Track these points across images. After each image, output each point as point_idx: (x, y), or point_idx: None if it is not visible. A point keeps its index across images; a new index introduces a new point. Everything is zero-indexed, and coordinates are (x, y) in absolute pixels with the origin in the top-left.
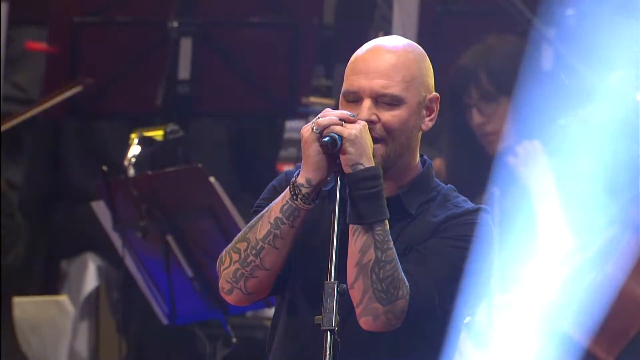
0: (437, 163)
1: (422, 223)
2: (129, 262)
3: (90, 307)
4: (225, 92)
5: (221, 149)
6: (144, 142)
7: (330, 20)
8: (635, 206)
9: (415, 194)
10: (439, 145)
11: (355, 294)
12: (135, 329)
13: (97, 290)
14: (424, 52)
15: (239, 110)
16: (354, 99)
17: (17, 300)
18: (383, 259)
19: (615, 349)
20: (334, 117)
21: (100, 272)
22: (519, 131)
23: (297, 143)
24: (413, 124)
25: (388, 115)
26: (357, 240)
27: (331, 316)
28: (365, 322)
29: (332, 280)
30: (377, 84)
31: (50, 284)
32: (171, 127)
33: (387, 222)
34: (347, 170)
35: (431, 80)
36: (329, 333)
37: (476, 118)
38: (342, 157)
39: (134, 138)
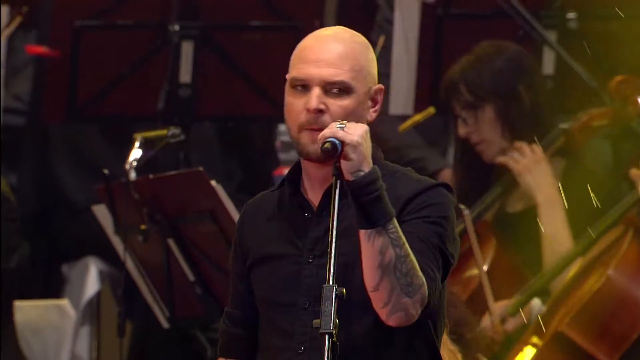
0: (447, 174)
1: (390, 200)
2: (130, 266)
3: (92, 311)
4: (226, 95)
5: (222, 152)
6: (145, 145)
7: (332, 23)
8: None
9: None
10: (440, 145)
11: (380, 296)
12: (136, 333)
13: (98, 294)
14: (369, 43)
15: (241, 113)
16: (302, 87)
17: (18, 304)
18: (402, 254)
19: (617, 352)
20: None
21: (102, 276)
22: (511, 136)
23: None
24: (360, 114)
25: (336, 105)
26: (373, 243)
27: (329, 319)
28: (396, 319)
29: (331, 283)
30: (326, 72)
31: (52, 288)
32: (172, 130)
33: (394, 218)
34: (348, 177)
35: (375, 72)
36: (327, 336)
37: (461, 129)
38: (343, 164)
39: (135, 141)
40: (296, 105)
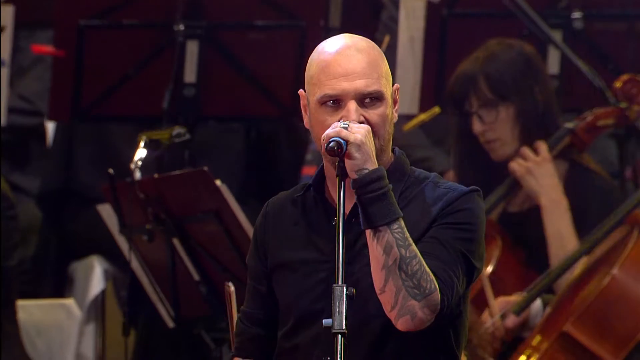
0: (450, 175)
1: (417, 209)
2: (135, 265)
3: (97, 311)
4: (231, 95)
5: (227, 152)
6: (150, 145)
7: (337, 22)
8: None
9: (393, 183)
10: (446, 145)
11: (387, 297)
12: (142, 333)
13: (103, 293)
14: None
15: (245, 113)
16: (335, 103)
17: (22, 304)
18: (408, 255)
19: (622, 352)
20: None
21: (107, 275)
22: (522, 137)
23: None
24: (390, 118)
25: (373, 115)
26: (377, 243)
27: (342, 319)
28: (404, 322)
29: (341, 283)
30: (360, 84)
31: (57, 287)
32: (177, 130)
33: (401, 219)
34: (352, 175)
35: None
36: (339, 336)
37: (477, 126)
38: (347, 162)
39: (141, 141)
40: (331, 121)
